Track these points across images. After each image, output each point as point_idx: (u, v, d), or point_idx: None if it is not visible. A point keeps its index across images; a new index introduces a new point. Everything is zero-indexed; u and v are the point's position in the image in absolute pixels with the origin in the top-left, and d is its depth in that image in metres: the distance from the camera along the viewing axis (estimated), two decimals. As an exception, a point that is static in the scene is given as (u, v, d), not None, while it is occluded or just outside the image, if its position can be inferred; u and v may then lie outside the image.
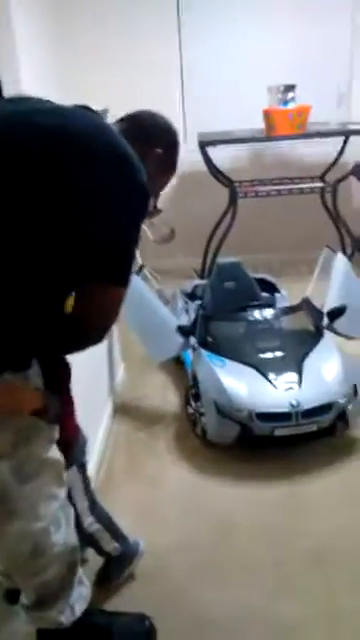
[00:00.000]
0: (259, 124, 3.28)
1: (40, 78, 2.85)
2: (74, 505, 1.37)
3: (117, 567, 1.56)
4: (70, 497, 1.35)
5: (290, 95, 3.13)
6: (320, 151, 3.66)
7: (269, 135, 3.19)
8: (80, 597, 1.31)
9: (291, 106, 3.10)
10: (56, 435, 1.20)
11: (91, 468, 1.97)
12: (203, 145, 3.16)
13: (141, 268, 2.51)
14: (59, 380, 1.22)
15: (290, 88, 3.14)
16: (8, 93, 2.51)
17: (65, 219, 0.97)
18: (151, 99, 3.56)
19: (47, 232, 0.98)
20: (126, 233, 1.03)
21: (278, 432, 1.96)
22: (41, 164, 0.96)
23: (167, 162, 1.25)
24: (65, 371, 1.25)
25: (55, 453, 1.20)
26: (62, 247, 0.99)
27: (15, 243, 0.97)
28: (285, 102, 3.13)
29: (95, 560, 1.57)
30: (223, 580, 1.57)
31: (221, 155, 3.54)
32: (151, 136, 1.22)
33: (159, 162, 1.21)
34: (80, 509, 1.45)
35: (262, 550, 1.66)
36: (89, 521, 1.47)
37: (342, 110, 3.72)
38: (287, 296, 2.75)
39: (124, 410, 2.42)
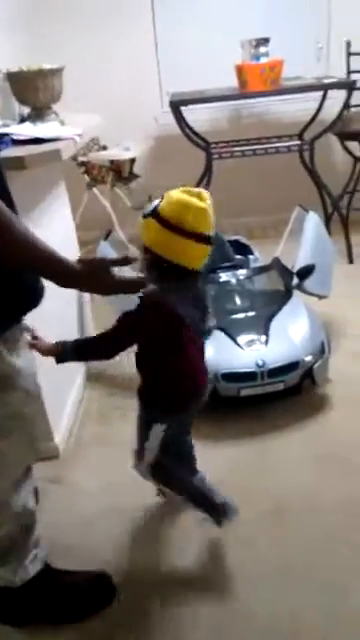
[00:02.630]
0: (234, 82, 3.19)
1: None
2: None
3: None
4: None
5: (263, 49, 3.02)
6: (298, 108, 3.56)
7: (243, 92, 3.10)
8: (36, 559, 1.33)
9: (264, 60, 3.00)
10: (35, 388, 1.19)
11: (63, 433, 2.00)
12: (175, 105, 3.07)
13: (109, 233, 2.47)
14: None
15: (263, 42, 3.02)
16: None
17: None
18: (126, 61, 3.56)
19: None
20: None
21: (244, 392, 1.97)
22: None
23: None
24: None
25: (31, 408, 1.19)
26: None
27: None
28: (258, 57, 3.03)
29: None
30: (185, 537, 1.59)
31: (198, 117, 3.46)
32: None
33: None
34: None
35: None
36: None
37: (321, 65, 3.61)
38: (260, 258, 2.71)
39: (97, 377, 2.42)
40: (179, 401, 1.40)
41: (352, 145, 3.42)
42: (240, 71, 3.05)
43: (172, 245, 1.21)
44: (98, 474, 1.85)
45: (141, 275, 1.26)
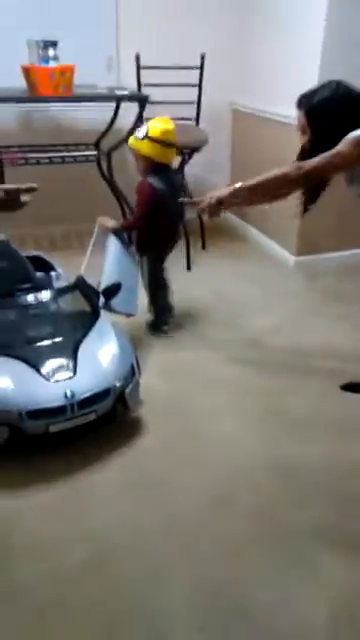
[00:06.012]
0: (22, 83, 2.97)
1: None
2: None
3: None
4: None
5: (52, 52, 2.85)
6: (94, 117, 3.48)
7: (31, 95, 2.89)
8: None
9: (53, 64, 2.84)
10: None
11: None
12: None
13: None
14: None
15: (51, 44, 2.86)
16: None
17: None
18: None
19: None
20: None
21: (53, 428, 1.80)
22: None
23: None
24: None
25: None
26: None
27: None
28: (47, 60, 2.86)
29: None
30: None
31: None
32: None
33: None
34: None
35: (35, 567, 1.49)
36: None
37: (113, 74, 3.58)
38: (64, 274, 2.56)
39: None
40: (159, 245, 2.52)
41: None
42: (27, 73, 2.85)
43: (159, 152, 2.33)
44: None
45: None
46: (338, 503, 1.71)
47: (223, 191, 1.70)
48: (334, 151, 1.64)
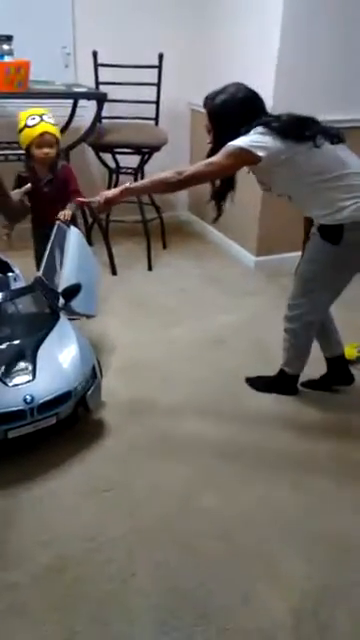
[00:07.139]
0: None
1: None
2: None
3: None
4: None
5: (6, 47, 2.78)
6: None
7: (-14, 91, 2.81)
8: None
9: (8, 59, 2.77)
10: None
11: None
12: None
13: None
14: None
15: (6, 39, 2.79)
16: None
17: None
18: None
19: None
20: None
21: (12, 433, 1.76)
22: None
23: None
24: None
25: None
26: None
27: None
28: (1, 55, 2.78)
29: None
30: None
31: None
32: None
33: None
34: None
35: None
36: None
37: (69, 71, 3.52)
38: (22, 275, 2.49)
39: None
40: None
41: (106, 156, 3.44)
42: (-18, 68, 2.76)
43: None
44: None
45: None
46: (299, 497, 1.73)
47: (111, 192, 1.91)
48: (209, 160, 1.77)
